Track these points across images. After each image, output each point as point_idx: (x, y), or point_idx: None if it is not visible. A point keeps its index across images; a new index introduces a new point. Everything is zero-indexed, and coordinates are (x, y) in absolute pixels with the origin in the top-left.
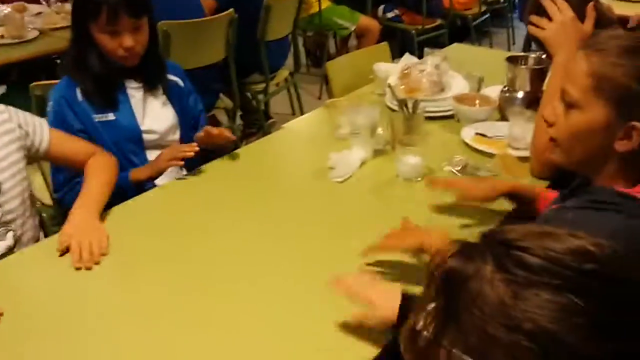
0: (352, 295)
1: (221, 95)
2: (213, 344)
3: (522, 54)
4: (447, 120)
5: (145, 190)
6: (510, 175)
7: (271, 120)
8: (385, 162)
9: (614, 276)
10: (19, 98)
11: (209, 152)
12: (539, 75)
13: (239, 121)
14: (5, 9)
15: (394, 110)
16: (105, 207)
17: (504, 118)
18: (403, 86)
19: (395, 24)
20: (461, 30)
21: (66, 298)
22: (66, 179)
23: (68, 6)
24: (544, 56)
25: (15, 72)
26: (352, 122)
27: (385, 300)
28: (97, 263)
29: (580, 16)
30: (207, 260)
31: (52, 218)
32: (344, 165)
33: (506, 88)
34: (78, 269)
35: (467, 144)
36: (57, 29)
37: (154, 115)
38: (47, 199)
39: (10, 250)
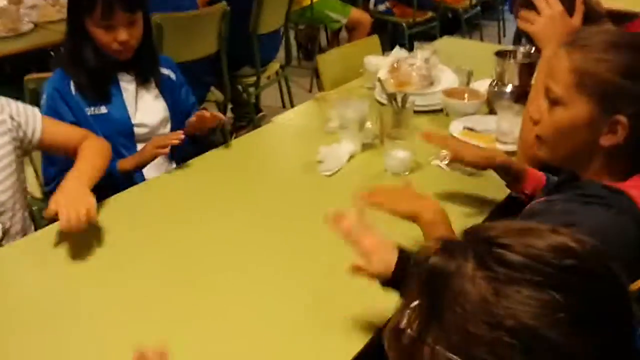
0: (348, 239)
1: (212, 88)
2: (204, 335)
3: (511, 47)
4: (436, 114)
5: (135, 183)
6: None
7: (261, 114)
8: (374, 156)
9: (594, 272)
10: (12, 91)
11: (200, 144)
12: (527, 70)
13: (229, 114)
14: (1, 1)
15: (383, 104)
16: (96, 200)
17: (492, 112)
18: (392, 80)
19: (386, 16)
20: (452, 23)
21: (55, 291)
22: (57, 173)
23: None
24: (533, 50)
25: (8, 65)
26: (341, 116)
27: (379, 252)
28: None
29: (570, 10)
30: (197, 253)
31: (42, 211)
32: (332, 159)
33: (495, 82)
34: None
35: (453, 137)
36: (51, 22)
37: (146, 108)
38: (38, 192)
39: None
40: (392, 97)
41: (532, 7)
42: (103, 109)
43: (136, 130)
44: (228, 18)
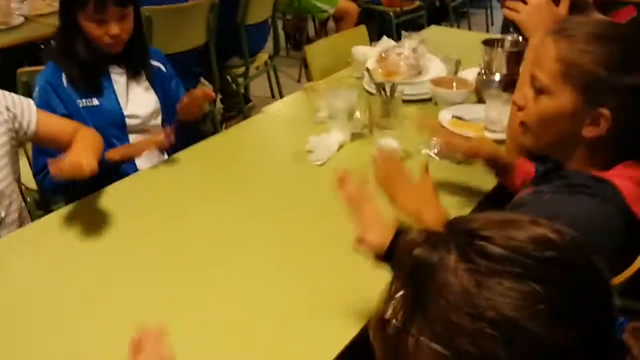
0: (350, 204)
1: (201, 79)
2: (197, 325)
3: (499, 36)
4: (424, 104)
5: (125, 174)
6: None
7: (251, 104)
8: (363, 146)
9: (574, 263)
10: (3, 84)
11: (190, 133)
12: (515, 58)
13: (219, 105)
14: None
15: (371, 94)
16: (86, 191)
17: (480, 100)
18: (381, 69)
19: (373, 6)
20: (440, 12)
21: (50, 280)
22: (46, 163)
23: None
24: (520, 39)
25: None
26: (330, 106)
27: (377, 224)
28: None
29: (555, 0)
30: (189, 243)
31: (36, 202)
32: (322, 148)
33: (483, 71)
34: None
35: (444, 127)
36: (42, 15)
37: (137, 100)
38: (32, 183)
39: None
40: (380, 86)
41: None
42: (95, 101)
43: (128, 121)
44: (216, 10)
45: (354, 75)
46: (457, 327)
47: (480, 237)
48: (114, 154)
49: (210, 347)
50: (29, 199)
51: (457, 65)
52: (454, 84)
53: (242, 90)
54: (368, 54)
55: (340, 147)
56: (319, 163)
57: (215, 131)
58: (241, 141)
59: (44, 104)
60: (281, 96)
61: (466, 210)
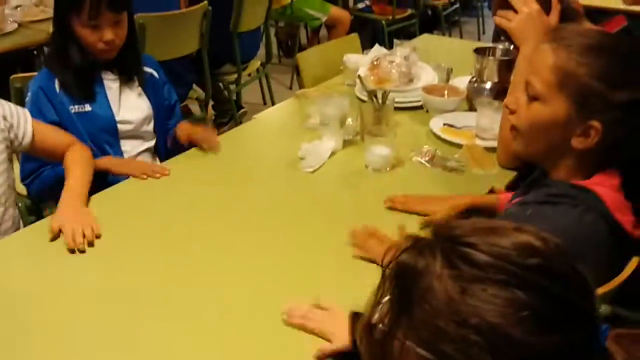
0: (304, 329)
1: (194, 85)
2: (189, 329)
3: (491, 45)
4: (416, 111)
5: (118, 181)
6: (477, 166)
7: (242, 110)
8: (355, 153)
9: (558, 270)
10: None
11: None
12: (506, 66)
13: (211, 111)
14: None
15: (363, 101)
16: None
17: (472, 108)
18: (373, 77)
19: (365, 14)
20: (431, 20)
21: (44, 286)
22: (34, 169)
23: None
24: (511, 47)
25: None
26: (322, 112)
27: (345, 330)
28: (90, 245)
29: (546, 10)
30: (179, 249)
31: (27, 208)
32: (314, 155)
33: (474, 79)
34: (72, 252)
35: (435, 135)
36: (35, 21)
37: (130, 106)
38: (23, 190)
39: None
40: (372, 94)
41: (510, 7)
42: (87, 107)
43: (120, 127)
44: (209, 17)
45: (346, 82)
46: (442, 332)
47: (464, 243)
48: (100, 162)
49: (207, 347)
50: (20, 205)
51: (449, 73)
52: (446, 92)
53: (234, 97)
54: (360, 61)
55: (332, 154)
56: (310, 170)
57: None
58: (233, 148)
59: (35, 110)
60: (273, 103)
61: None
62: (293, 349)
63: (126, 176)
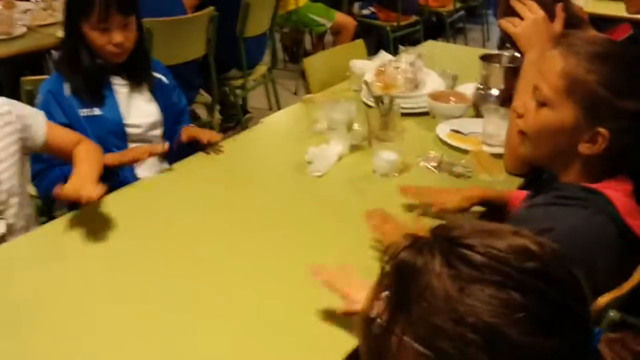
0: (330, 287)
1: (200, 90)
2: (195, 330)
3: (496, 52)
4: (422, 117)
5: (126, 183)
6: (484, 171)
7: (248, 115)
8: (362, 157)
9: (554, 275)
10: (5, 94)
11: (190, 145)
12: (512, 73)
13: (217, 116)
14: None
15: (370, 106)
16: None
17: (478, 115)
18: (379, 83)
19: (370, 20)
20: (436, 27)
21: (54, 286)
22: (42, 169)
23: (55, 3)
24: (516, 54)
25: (2, 68)
26: (329, 118)
27: (360, 295)
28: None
29: (551, 18)
30: (187, 251)
31: (38, 208)
32: (322, 159)
33: (480, 86)
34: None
35: (442, 140)
36: (44, 25)
37: (139, 111)
38: (33, 190)
39: (2, 239)
40: (378, 99)
41: (515, 14)
42: (96, 111)
43: (128, 130)
44: (216, 22)
45: (352, 88)
46: (440, 329)
47: (462, 244)
48: (108, 159)
49: (214, 351)
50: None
51: (454, 80)
52: (452, 98)
53: (240, 102)
54: (366, 67)
55: (340, 158)
56: (318, 174)
57: (214, 142)
58: (242, 151)
59: (45, 112)
60: (279, 108)
61: None
62: (299, 347)
63: (130, 167)
